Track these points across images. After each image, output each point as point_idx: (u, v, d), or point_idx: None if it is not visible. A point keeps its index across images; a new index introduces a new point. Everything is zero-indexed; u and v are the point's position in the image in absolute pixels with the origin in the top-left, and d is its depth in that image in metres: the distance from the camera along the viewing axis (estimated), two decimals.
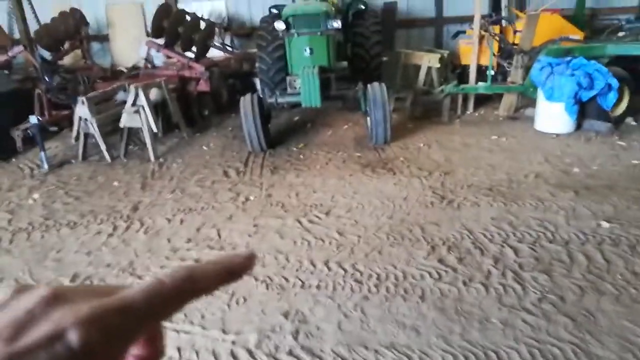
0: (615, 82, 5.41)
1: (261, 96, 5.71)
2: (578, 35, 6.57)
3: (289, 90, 5.78)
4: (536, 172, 4.57)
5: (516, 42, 6.67)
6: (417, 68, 7.11)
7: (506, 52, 6.73)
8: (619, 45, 6.14)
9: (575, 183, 4.28)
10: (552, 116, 5.67)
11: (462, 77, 7.01)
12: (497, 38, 6.60)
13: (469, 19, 7.00)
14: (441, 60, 6.94)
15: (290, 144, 5.85)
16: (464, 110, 6.79)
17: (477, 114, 6.76)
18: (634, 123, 5.85)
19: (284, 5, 6.40)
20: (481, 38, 6.58)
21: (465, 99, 6.80)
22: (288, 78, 5.85)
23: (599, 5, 8.40)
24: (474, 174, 4.60)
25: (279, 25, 5.61)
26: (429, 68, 6.95)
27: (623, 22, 7.28)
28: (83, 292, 0.30)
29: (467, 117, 6.64)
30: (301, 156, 5.40)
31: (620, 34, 6.85)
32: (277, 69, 6.30)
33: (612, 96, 5.48)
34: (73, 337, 0.26)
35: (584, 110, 5.63)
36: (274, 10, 6.95)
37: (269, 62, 6.45)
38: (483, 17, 6.62)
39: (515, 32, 6.77)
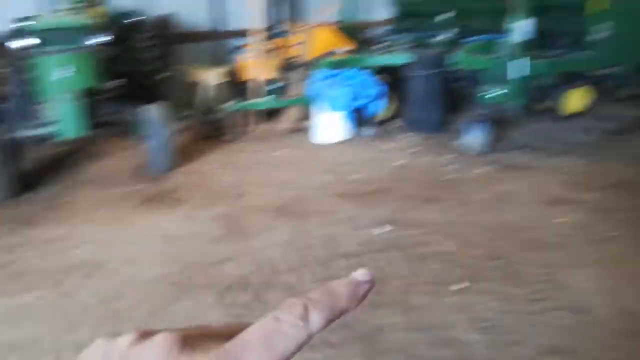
0: (383, 89, 5.95)
1: (6, 129, 4.61)
2: (350, 46, 7.05)
3: (41, 120, 4.80)
4: (320, 183, 4.64)
5: (296, 55, 6.83)
6: (200, 85, 6.72)
7: (287, 65, 6.85)
8: (380, 56, 6.81)
9: (354, 190, 4.47)
10: (329, 126, 5.96)
11: (245, 92, 6.89)
12: (277, 52, 6.66)
13: (247, 33, 6.90)
14: (223, 75, 6.69)
15: (50, 185, 4.81)
16: (251, 126, 6.64)
17: (263, 129, 6.62)
18: (396, 126, 6.45)
19: (30, 18, 5.31)
20: (261, 52, 6.54)
21: (251, 115, 6.67)
22: (40, 105, 4.87)
23: (358, 18, 9.14)
24: (265, 194, 4.45)
25: (25, 42, 4.66)
26: (212, 85, 6.63)
27: (385, 34, 8.14)
28: (204, 334, 0.32)
29: (253, 134, 6.47)
30: (65, 199, 4.47)
31: (384, 44, 7.59)
32: (26, 94, 5.19)
33: (380, 102, 6.03)
34: None
35: (357, 117, 6.06)
36: (18, 24, 5.71)
37: (15, 87, 5.29)
38: (261, 30, 6.58)
39: (295, 45, 6.93)
